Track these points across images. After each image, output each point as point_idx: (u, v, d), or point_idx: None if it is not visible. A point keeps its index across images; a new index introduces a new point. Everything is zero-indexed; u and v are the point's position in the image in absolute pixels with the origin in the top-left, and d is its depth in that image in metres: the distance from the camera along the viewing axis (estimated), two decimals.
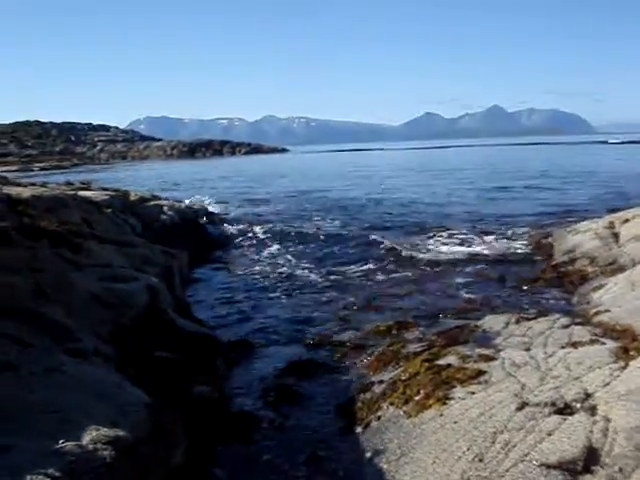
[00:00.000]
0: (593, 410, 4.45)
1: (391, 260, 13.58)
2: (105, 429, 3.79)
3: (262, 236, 17.78)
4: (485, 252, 14.10)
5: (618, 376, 4.92)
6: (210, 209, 20.13)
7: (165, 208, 16.60)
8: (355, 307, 9.85)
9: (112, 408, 4.21)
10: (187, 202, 20.28)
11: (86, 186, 17.38)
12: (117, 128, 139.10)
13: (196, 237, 16.09)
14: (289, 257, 14.52)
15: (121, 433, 3.83)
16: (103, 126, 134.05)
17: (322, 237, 17.04)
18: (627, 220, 12.92)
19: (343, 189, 32.38)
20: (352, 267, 13.10)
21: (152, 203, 16.97)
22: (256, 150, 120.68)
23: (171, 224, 15.77)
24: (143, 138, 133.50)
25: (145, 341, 6.27)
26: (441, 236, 16.60)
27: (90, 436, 3.66)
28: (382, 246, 15.11)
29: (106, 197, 14.95)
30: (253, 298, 10.72)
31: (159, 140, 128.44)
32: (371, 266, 13.11)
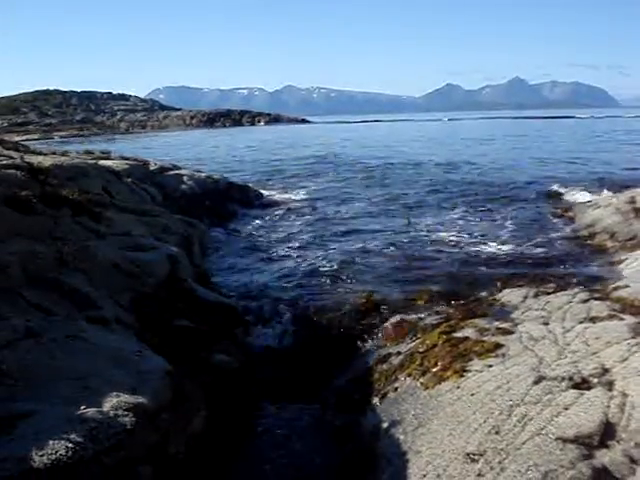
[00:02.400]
0: (610, 385, 4.44)
1: (417, 232, 13.56)
2: (126, 396, 3.86)
3: (288, 205, 17.93)
4: (508, 226, 14.04)
5: (636, 352, 4.90)
6: (233, 180, 20.05)
7: (185, 178, 16.63)
8: (377, 278, 9.85)
9: (132, 375, 4.27)
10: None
11: (106, 155, 17.42)
12: (137, 97, 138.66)
13: (217, 207, 16.10)
14: (315, 228, 14.46)
15: (141, 400, 3.89)
16: (123, 95, 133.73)
17: (354, 207, 17.14)
18: None
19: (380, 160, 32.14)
20: (375, 237, 13.08)
21: (172, 173, 16.99)
22: (276, 120, 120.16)
23: (191, 194, 15.80)
24: (162, 107, 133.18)
25: (165, 310, 6.32)
26: (467, 207, 16.59)
27: (111, 402, 3.73)
28: (411, 220, 15.10)
29: (126, 166, 14.98)
30: (274, 267, 10.75)
31: (178, 110, 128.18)
32: (395, 238, 13.07)
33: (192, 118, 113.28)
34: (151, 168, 16.71)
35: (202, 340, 6.08)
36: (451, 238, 12.84)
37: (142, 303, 6.15)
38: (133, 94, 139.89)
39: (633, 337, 5.28)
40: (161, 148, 47.12)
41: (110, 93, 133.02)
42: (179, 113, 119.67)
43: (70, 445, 3.18)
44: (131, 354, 4.67)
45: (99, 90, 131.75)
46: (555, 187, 19.10)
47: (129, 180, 13.40)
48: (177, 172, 17.14)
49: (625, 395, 4.25)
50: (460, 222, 14.78)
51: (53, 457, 3.08)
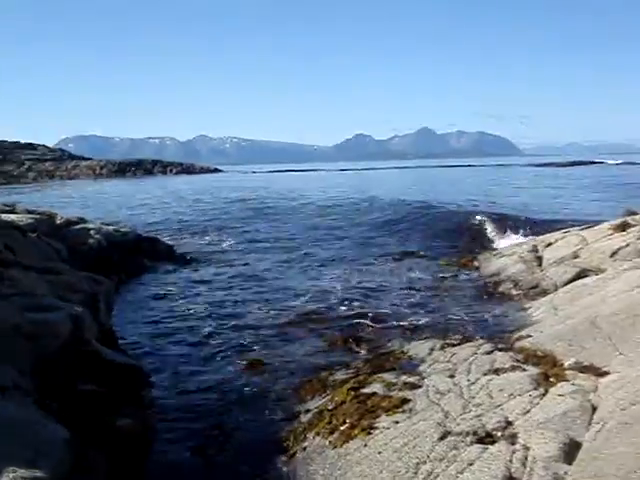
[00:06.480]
0: (513, 439, 4.52)
1: (319, 289, 13.59)
2: (22, 470, 3.71)
3: (199, 256, 17.86)
4: (412, 275, 14.24)
5: (537, 403, 5.02)
6: (141, 233, 19.74)
7: (92, 232, 16.27)
8: (284, 329, 9.84)
9: (31, 446, 4.11)
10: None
11: (10, 209, 16.94)
12: (45, 147, 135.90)
13: (126, 261, 15.79)
14: (221, 282, 14.40)
15: (39, 474, 3.74)
16: (31, 144, 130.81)
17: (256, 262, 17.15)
18: (550, 244, 13.29)
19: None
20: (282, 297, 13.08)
21: (79, 226, 16.61)
22: (188, 170, 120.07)
23: (98, 248, 15.47)
24: (72, 157, 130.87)
25: (68, 373, 6.13)
26: (374, 258, 16.81)
27: (7, 478, 3.58)
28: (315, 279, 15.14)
29: (31, 220, 14.59)
30: (179, 323, 10.61)
31: (88, 159, 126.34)
32: (305, 297, 13.08)
33: (102, 168, 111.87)
34: (57, 222, 16.29)
35: (107, 404, 5.91)
36: (356, 289, 12.95)
37: (44, 367, 5.95)
38: (42, 143, 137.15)
39: (535, 388, 5.41)
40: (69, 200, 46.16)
41: (18, 142, 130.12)
42: (88, 163, 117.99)
43: None
44: (30, 424, 4.50)
45: (6, 139, 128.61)
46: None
47: (34, 235, 13.04)
48: (84, 226, 16.74)
49: (527, 448, 4.33)
50: (365, 272, 14.95)
51: None
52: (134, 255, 16.58)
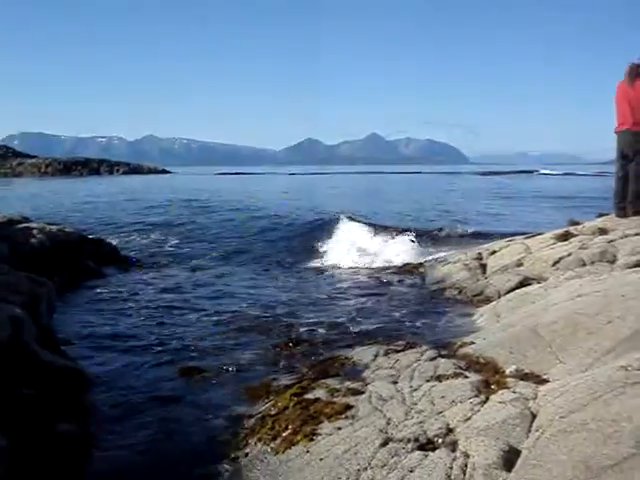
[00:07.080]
0: (454, 445, 4.54)
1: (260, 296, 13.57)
2: None
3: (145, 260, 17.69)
4: (358, 280, 14.32)
5: (478, 410, 5.05)
6: (86, 233, 19.45)
7: (35, 231, 15.95)
8: (228, 334, 9.76)
9: None
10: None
11: None
12: None
13: (69, 263, 15.51)
14: (164, 286, 14.28)
15: None
16: None
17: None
18: (494, 252, 13.45)
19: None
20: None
21: (22, 225, 16.29)
22: (135, 170, 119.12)
23: (41, 248, 15.17)
24: (17, 154, 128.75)
25: (6, 377, 6.00)
26: (320, 263, 16.86)
27: None
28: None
29: None
30: (122, 327, 10.46)
31: (34, 157, 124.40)
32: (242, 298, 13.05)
33: (47, 166, 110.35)
34: None
35: (47, 409, 5.81)
36: (301, 294, 12.96)
37: None
38: None
39: (476, 395, 5.45)
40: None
41: None
42: (34, 161, 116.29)
43: None
44: None
45: None
46: None
47: None
48: (27, 225, 16.42)
49: (467, 455, 4.35)
50: (311, 278, 14.96)
51: None
52: (78, 256, 16.30)
